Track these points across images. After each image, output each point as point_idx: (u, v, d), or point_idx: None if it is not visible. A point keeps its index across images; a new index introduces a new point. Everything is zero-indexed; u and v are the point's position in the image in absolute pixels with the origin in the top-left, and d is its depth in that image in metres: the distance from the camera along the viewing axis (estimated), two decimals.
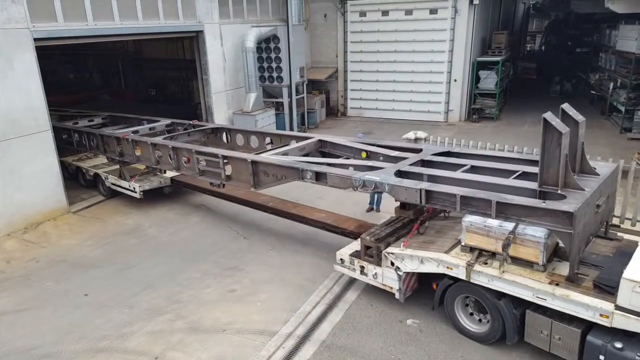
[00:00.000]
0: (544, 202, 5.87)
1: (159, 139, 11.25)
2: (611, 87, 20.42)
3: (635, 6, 17.09)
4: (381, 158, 8.50)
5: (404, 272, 7.35)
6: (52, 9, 11.68)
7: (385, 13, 21.86)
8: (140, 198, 12.21)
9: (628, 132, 18.12)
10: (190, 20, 16.00)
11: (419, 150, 8.53)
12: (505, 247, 6.36)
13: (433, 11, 20.84)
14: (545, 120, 5.96)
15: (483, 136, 17.00)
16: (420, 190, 6.72)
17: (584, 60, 28.52)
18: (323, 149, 9.84)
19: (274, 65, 19.04)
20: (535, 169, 6.66)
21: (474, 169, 7.47)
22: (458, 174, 7.16)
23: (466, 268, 6.59)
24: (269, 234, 10.98)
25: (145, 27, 14.43)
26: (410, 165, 7.75)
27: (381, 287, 7.73)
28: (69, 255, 10.32)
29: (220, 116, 17.85)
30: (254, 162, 8.83)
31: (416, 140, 11.11)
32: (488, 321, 6.81)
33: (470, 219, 6.67)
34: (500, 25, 27.25)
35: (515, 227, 6.32)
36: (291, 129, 19.87)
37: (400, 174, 7.46)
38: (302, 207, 10.56)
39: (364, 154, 8.87)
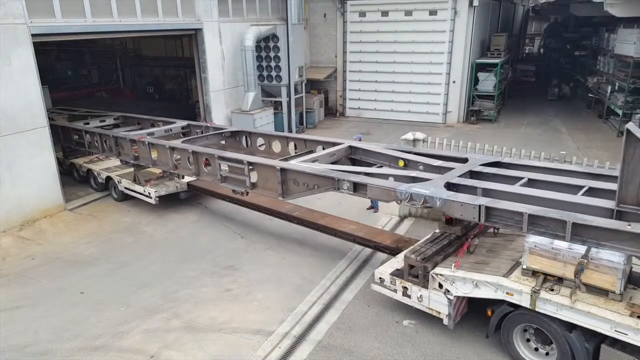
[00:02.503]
0: (629, 225, 5.19)
1: (177, 143, 10.59)
2: (609, 91, 20.50)
3: (634, 10, 17.16)
4: (421, 167, 7.89)
5: (455, 296, 6.74)
6: (50, 4, 11.63)
7: (385, 14, 21.88)
8: (156, 204, 11.76)
9: None
10: (189, 18, 15.96)
11: (464, 160, 7.86)
12: (578, 272, 5.75)
13: (433, 12, 20.87)
14: (628, 131, 5.29)
15: (481, 138, 17.03)
16: (480, 206, 5.98)
17: (582, 63, 28.63)
18: (353, 156, 9.23)
19: (272, 64, 19.02)
20: (601, 184, 6.27)
21: (531, 183, 6.77)
22: (517, 188, 6.44)
23: (531, 295, 5.95)
24: (266, 233, 10.96)
25: (144, 24, 14.38)
26: (459, 177, 7.01)
27: (427, 311, 7.14)
28: (65, 252, 10.28)
29: (219, 115, 17.82)
30: (283, 170, 8.19)
31: (414, 141, 11.10)
32: (547, 353, 6.31)
33: (534, 239, 6.04)
34: (499, 28, 27.32)
35: (587, 251, 5.75)
36: (290, 128, 19.87)
37: (450, 186, 6.77)
38: (331, 218, 10.01)
39: (401, 163, 8.24)
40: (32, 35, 11.22)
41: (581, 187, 6.40)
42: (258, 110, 18.21)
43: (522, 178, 6.86)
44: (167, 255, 10.08)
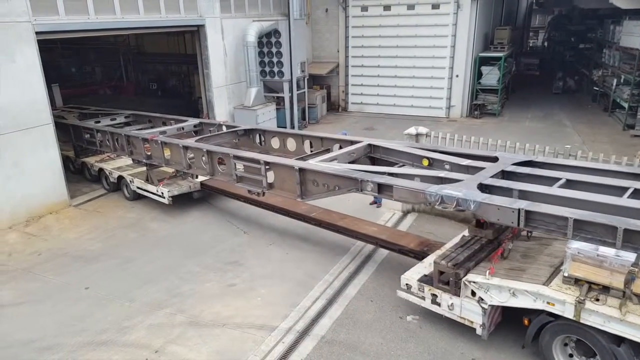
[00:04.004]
0: None
1: (191, 142, 10.35)
2: (614, 84, 20.33)
3: (639, 1, 16.97)
4: (447, 167, 7.52)
5: (490, 305, 6.37)
6: (53, 2, 11.66)
7: (387, 8, 21.77)
8: (169, 204, 11.55)
9: (631, 129, 18.06)
10: (191, 14, 15.95)
11: (494, 159, 7.45)
12: (629, 282, 5.39)
13: (435, 6, 20.74)
14: None
15: (485, 132, 16.97)
16: (519, 210, 5.63)
17: (587, 56, 28.40)
18: (373, 154, 8.90)
19: (275, 59, 18.99)
20: None
21: (570, 184, 6.39)
22: (556, 190, 6.08)
23: (575, 306, 5.57)
24: (270, 228, 10.99)
25: (146, 21, 14.39)
26: (492, 177, 6.64)
27: (458, 320, 6.79)
28: (70, 248, 10.35)
29: (221, 111, 17.84)
30: (301, 170, 7.89)
31: (417, 136, 11.07)
32: None
33: (577, 245, 5.66)
34: (502, 21, 27.13)
35: (638, 258, 5.40)
36: (292, 124, 19.87)
37: (482, 188, 6.38)
38: (350, 219, 9.71)
39: (425, 162, 7.86)
40: (36, 33, 11.26)
41: (626, 189, 6.00)
42: (261, 105, 18.22)
43: (559, 179, 6.47)
44: (171, 250, 10.13)
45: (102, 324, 7.66)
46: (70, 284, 8.93)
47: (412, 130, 11.12)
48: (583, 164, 7.45)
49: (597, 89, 23.40)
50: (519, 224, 5.74)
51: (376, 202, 11.86)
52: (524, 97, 25.98)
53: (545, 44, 42.88)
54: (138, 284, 8.82)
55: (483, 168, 7.03)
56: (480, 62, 21.72)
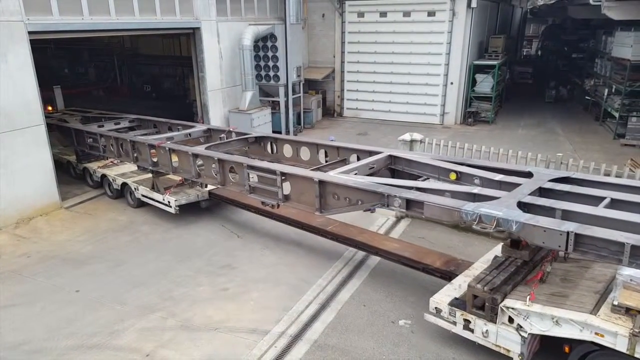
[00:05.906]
0: None
1: (201, 149, 9.91)
2: (606, 93, 20.58)
3: (631, 13, 17.22)
4: (477, 181, 7.13)
5: (529, 334, 5.90)
6: (47, 2, 11.59)
7: (383, 14, 21.90)
8: (176, 213, 11.16)
9: (621, 138, 18.26)
10: (187, 16, 15.94)
11: (528, 174, 7.03)
12: None
13: (431, 13, 20.90)
14: None
15: (478, 139, 17.09)
16: (568, 233, 5.19)
17: (580, 65, 28.74)
18: (394, 166, 8.49)
19: (270, 64, 19.01)
20: None
21: (615, 204, 5.98)
22: (603, 211, 5.65)
23: (629, 339, 5.15)
24: (263, 233, 10.95)
25: (141, 22, 14.35)
26: (530, 195, 6.21)
27: (493, 348, 6.32)
28: (61, 251, 10.24)
29: (216, 114, 17.81)
30: (321, 182, 7.52)
31: (412, 142, 11.12)
32: None
33: (629, 272, 5.33)
34: (497, 29, 27.38)
35: None
36: (287, 128, 19.88)
37: (522, 206, 5.94)
38: (370, 234, 9.29)
39: (452, 175, 7.45)
40: (29, 32, 11.17)
41: None
42: (256, 109, 18.21)
43: (603, 198, 6.08)
44: (164, 254, 10.06)
45: (92, 327, 7.57)
46: (60, 286, 8.83)
47: (406, 136, 11.18)
48: (626, 181, 7.03)
49: (588, 98, 23.66)
50: (567, 248, 5.30)
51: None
52: (517, 105, 26.22)
53: (539, 53, 43.38)
54: (129, 287, 8.74)
55: (518, 184, 6.61)
56: (475, 70, 21.90)
